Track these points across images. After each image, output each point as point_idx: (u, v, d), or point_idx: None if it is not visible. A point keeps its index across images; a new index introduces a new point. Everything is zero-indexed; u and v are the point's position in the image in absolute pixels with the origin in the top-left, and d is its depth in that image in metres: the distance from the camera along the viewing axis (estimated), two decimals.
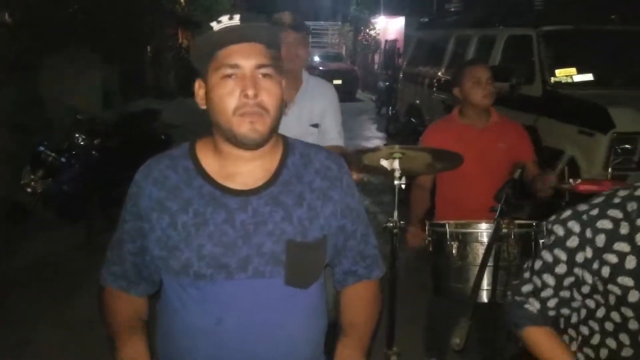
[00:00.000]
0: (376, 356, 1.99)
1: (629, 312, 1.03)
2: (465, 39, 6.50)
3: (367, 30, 19.17)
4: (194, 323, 1.11)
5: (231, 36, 1.05)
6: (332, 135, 2.35)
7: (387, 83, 11.88)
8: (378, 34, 18.71)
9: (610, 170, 2.94)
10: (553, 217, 1.13)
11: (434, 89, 6.83)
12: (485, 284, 1.85)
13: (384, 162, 1.87)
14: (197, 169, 1.12)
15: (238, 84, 1.04)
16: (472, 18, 7.04)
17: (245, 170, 1.12)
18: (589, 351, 1.11)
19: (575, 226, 1.07)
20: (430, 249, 2.10)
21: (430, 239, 2.10)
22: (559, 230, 1.09)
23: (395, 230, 1.86)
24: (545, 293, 1.13)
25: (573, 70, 4.78)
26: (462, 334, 1.26)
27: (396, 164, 1.86)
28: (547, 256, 1.12)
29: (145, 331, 1.19)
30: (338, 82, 15.18)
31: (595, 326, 1.09)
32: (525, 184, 2.33)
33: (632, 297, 1.02)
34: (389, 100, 10.83)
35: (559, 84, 4.68)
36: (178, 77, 12.04)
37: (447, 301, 2.24)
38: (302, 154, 1.19)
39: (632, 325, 1.03)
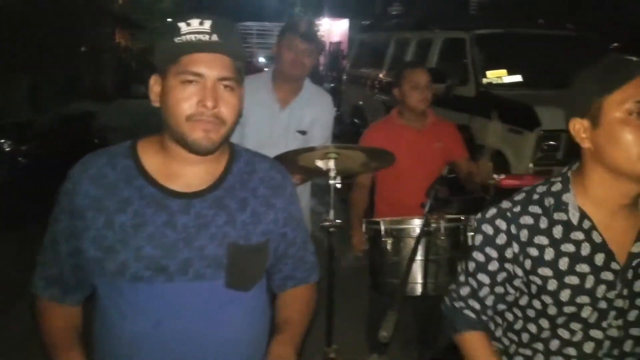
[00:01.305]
0: (316, 354, 2.04)
1: (548, 300, 1.10)
2: (404, 41, 6.69)
3: None
4: (131, 328, 1.10)
5: (199, 45, 1.04)
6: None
7: (332, 85, 11.99)
8: (322, 36, 18.82)
9: (531, 165, 3.13)
10: (479, 216, 1.18)
11: (376, 90, 6.99)
12: (418, 277, 1.93)
13: (319, 163, 1.90)
14: (137, 168, 1.11)
15: (197, 92, 1.04)
16: (411, 21, 7.26)
17: (189, 172, 1.12)
18: (512, 335, 1.18)
19: (502, 224, 1.12)
20: (367, 247, 2.16)
21: (367, 236, 2.16)
22: (488, 229, 1.14)
23: (331, 229, 1.90)
24: (483, 292, 1.18)
25: (503, 71, 5.04)
26: (389, 326, 1.31)
27: (331, 164, 1.90)
28: (479, 256, 1.17)
29: (82, 343, 1.16)
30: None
31: (519, 313, 1.16)
32: (459, 181, 2.45)
33: (551, 286, 1.09)
34: (333, 102, 10.93)
35: (490, 84, 4.92)
36: (117, 78, 11.63)
37: (387, 297, 2.31)
38: (247, 161, 1.21)
39: (551, 311, 1.11)
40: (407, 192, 2.43)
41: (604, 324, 1.09)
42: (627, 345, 1.10)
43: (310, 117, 2.31)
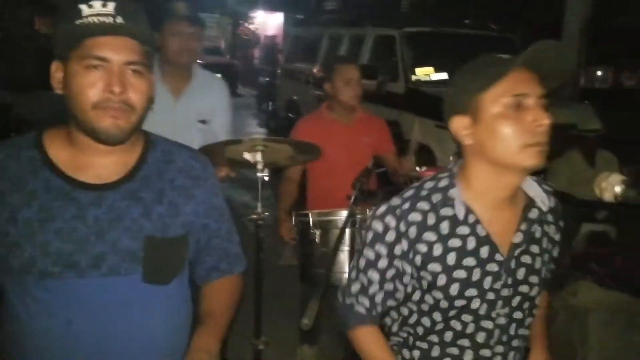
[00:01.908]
0: (245, 347, 2.04)
1: (439, 295, 1.12)
2: (338, 37, 6.77)
3: (246, 24, 19.03)
4: (41, 326, 1.05)
5: (102, 27, 0.99)
6: (219, 135, 2.32)
7: (267, 79, 11.91)
8: (257, 29, 18.66)
9: (452, 158, 3.27)
10: (371, 213, 1.19)
11: (310, 85, 7.03)
12: (345, 267, 1.97)
13: (247, 155, 1.90)
14: (43, 159, 1.05)
15: (103, 77, 0.99)
16: (345, 18, 7.36)
17: (100, 163, 1.08)
18: (408, 329, 1.20)
19: (391, 221, 1.12)
20: (297, 238, 2.18)
21: (296, 228, 2.18)
22: (378, 226, 1.13)
23: (259, 222, 1.90)
24: (372, 289, 1.17)
25: (431, 69, 5.24)
26: (311, 314, 1.34)
27: (259, 157, 1.90)
28: (370, 253, 1.16)
29: None
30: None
31: (413, 307, 1.18)
32: (388, 174, 2.53)
33: (441, 281, 1.11)
34: (269, 96, 10.88)
35: (419, 82, 5.09)
36: (36, 67, 10.88)
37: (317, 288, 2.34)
38: (165, 151, 1.17)
39: (443, 304, 1.13)
40: (338, 185, 2.47)
41: (493, 314, 1.13)
42: (512, 329, 1.16)
43: (208, 105, 2.28)
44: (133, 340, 1.10)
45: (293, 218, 2.23)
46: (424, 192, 1.14)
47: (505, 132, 1.03)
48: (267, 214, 1.96)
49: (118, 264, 1.06)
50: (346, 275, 2.00)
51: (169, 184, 1.14)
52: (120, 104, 1.01)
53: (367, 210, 2.06)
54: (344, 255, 2.01)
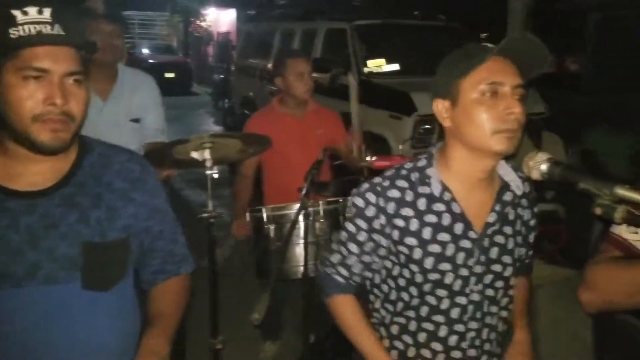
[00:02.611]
0: (202, 347, 2.01)
1: (415, 268, 1.18)
2: (290, 32, 6.75)
3: (198, 21, 18.69)
4: None
5: (41, 37, 0.96)
6: (154, 132, 2.28)
7: (222, 76, 11.77)
8: (210, 26, 18.36)
9: (401, 147, 3.33)
10: (355, 190, 1.25)
11: (265, 81, 6.98)
12: (299, 260, 1.97)
13: (195, 154, 1.87)
14: None
15: (43, 89, 0.97)
16: (296, 12, 7.33)
17: (34, 171, 1.05)
18: (388, 306, 1.27)
19: (371, 197, 1.19)
20: (251, 235, 2.17)
21: (251, 225, 2.17)
22: (359, 202, 1.21)
23: (211, 220, 1.88)
24: (350, 260, 1.25)
25: (382, 61, 5.30)
26: (261, 309, 1.34)
27: (207, 154, 1.87)
28: (350, 227, 1.23)
29: None
30: (171, 75, 14.56)
31: (392, 283, 1.24)
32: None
33: (417, 254, 1.17)
34: (225, 93, 10.75)
35: (371, 73, 5.14)
36: None
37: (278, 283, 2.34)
38: (102, 154, 1.15)
39: (418, 279, 1.19)
40: (293, 179, 2.46)
41: (467, 290, 1.19)
42: (485, 306, 1.22)
43: (139, 102, 2.25)
44: (77, 348, 1.07)
45: (247, 215, 2.21)
46: (403, 171, 1.21)
47: (479, 116, 1.09)
48: (219, 212, 1.93)
49: (55, 272, 1.03)
50: (301, 269, 2.01)
51: (107, 187, 1.12)
52: (61, 116, 0.99)
53: (320, 202, 2.07)
54: (299, 249, 2.01)
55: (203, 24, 18.56)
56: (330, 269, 1.29)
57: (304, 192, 1.86)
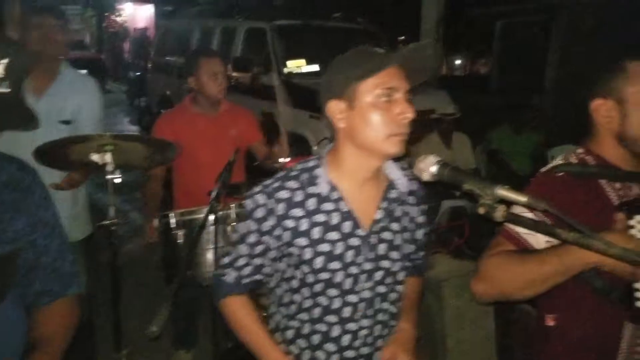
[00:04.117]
0: None
1: (306, 268, 1.18)
2: (209, 30, 6.59)
3: (113, 16, 17.77)
4: None
5: None
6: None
7: (138, 73, 11.28)
8: (126, 21, 17.53)
9: (315, 147, 3.34)
10: (248, 194, 1.23)
11: (183, 79, 6.76)
12: (210, 266, 1.92)
13: (95, 157, 1.75)
14: None
15: None
16: (215, 9, 7.18)
17: None
18: (283, 309, 1.26)
19: (261, 199, 1.18)
20: (160, 241, 2.09)
21: (159, 231, 2.08)
22: (249, 204, 1.19)
23: (113, 228, 1.77)
24: (240, 262, 1.23)
25: (302, 61, 5.31)
26: (159, 321, 1.28)
27: (108, 158, 1.77)
28: (241, 228, 1.22)
29: None
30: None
31: (285, 286, 1.24)
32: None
33: (307, 255, 1.17)
34: (141, 91, 10.31)
35: (291, 74, 5.14)
36: None
37: (188, 290, 2.26)
38: None
39: (309, 279, 1.20)
40: (206, 181, 2.39)
41: (357, 288, 1.19)
42: (377, 303, 1.24)
43: (73, 104, 2.15)
44: None
45: (156, 220, 2.12)
46: (294, 172, 1.21)
47: (375, 120, 1.12)
48: (131, 216, 1.84)
49: None
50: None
51: None
52: None
53: (232, 205, 2.02)
54: (210, 254, 1.95)
55: (118, 19, 17.68)
56: (221, 271, 1.28)
57: (214, 195, 1.81)
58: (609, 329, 1.24)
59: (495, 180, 0.98)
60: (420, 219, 1.31)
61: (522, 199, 0.90)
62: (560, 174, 1.28)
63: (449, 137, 4.08)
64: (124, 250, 2.33)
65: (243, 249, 1.22)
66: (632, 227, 1.14)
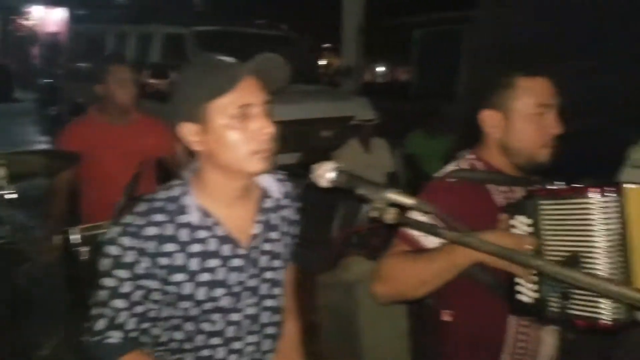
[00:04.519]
0: None
1: (187, 304, 1.10)
2: (124, 35, 6.35)
3: (20, 19, 16.61)
4: None
5: None
6: None
7: (50, 80, 10.60)
8: (36, 25, 16.45)
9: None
10: (104, 238, 1.10)
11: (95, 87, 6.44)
12: None
13: None
14: None
15: None
16: (130, 14, 6.93)
17: None
18: (161, 349, 1.17)
19: (127, 241, 1.06)
20: (62, 258, 1.97)
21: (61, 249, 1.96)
22: (114, 250, 1.06)
23: (6, 248, 1.65)
24: (121, 318, 1.08)
25: None
26: (50, 344, 1.20)
27: (1, 172, 1.64)
28: (110, 281, 1.07)
29: None
30: None
31: (163, 325, 1.15)
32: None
33: (187, 289, 1.09)
34: (52, 100, 9.69)
35: None
36: None
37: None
38: None
39: (193, 312, 1.11)
40: (115, 193, 2.29)
41: (240, 305, 1.15)
42: (264, 317, 1.19)
43: None
44: None
45: (56, 237, 1.99)
46: (158, 204, 1.10)
47: (232, 141, 1.05)
48: (27, 236, 1.71)
49: None
50: None
51: None
52: None
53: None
54: None
55: (26, 22, 16.54)
56: (98, 337, 1.09)
57: (119, 208, 1.74)
58: (499, 323, 1.31)
59: (410, 183, 1.01)
60: (296, 216, 1.29)
61: (410, 201, 0.94)
62: (452, 179, 1.35)
63: (368, 142, 4.19)
64: (23, 270, 2.16)
65: (119, 302, 1.08)
66: (514, 226, 1.21)
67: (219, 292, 1.12)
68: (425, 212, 0.98)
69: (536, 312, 1.18)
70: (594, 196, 1.07)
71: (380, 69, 13.73)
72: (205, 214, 1.11)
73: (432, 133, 4.43)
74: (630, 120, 2.18)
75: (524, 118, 1.29)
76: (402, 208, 0.98)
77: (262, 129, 1.06)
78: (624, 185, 1.09)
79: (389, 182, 4.12)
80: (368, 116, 4.38)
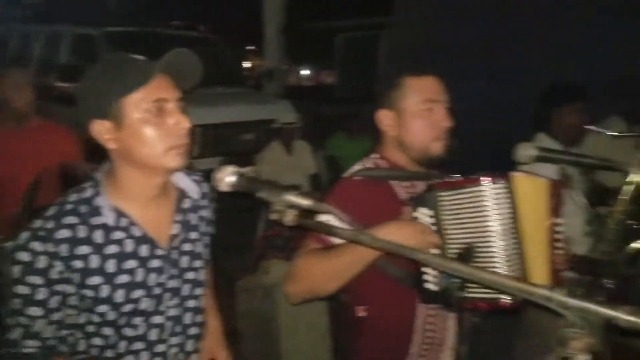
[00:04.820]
0: None
1: (104, 308, 1.07)
2: (31, 35, 5.95)
3: None
4: None
5: None
6: None
7: None
8: None
9: None
10: (12, 244, 1.04)
11: None
12: None
13: None
14: None
15: None
16: (37, 13, 6.52)
17: None
18: (79, 357, 1.11)
19: (38, 246, 1.02)
20: None
21: None
22: (24, 256, 1.02)
23: None
24: (37, 326, 1.05)
25: None
26: None
27: None
28: (23, 289, 1.03)
29: None
30: None
31: (79, 333, 1.10)
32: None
33: (104, 292, 1.07)
34: None
35: None
36: None
37: None
38: None
39: (111, 316, 1.08)
40: (9, 203, 2.16)
41: (162, 308, 1.13)
42: (187, 318, 1.20)
43: None
44: None
45: None
46: (69, 206, 1.07)
47: (149, 136, 1.04)
48: None
49: None
50: None
51: None
52: None
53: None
54: None
55: None
56: (15, 349, 1.05)
57: (17, 218, 1.63)
58: (409, 315, 1.37)
59: (332, 184, 1.02)
60: (213, 216, 1.29)
61: (307, 203, 0.96)
62: (358, 178, 1.40)
63: (290, 145, 4.22)
64: None
65: (34, 311, 1.03)
66: (417, 218, 1.28)
67: (138, 293, 1.10)
68: (322, 212, 1.00)
69: (443, 299, 1.25)
70: (486, 184, 1.16)
71: (305, 72, 13.87)
72: (120, 214, 1.09)
73: (352, 135, 4.53)
74: (521, 120, 2.37)
75: (414, 114, 1.36)
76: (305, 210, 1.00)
77: (178, 124, 1.06)
78: (512, 174, 1.19)
79: (311, 183, 4.16)
80: (290, 119, 4.40)
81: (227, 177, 1.03)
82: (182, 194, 1.20)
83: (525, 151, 1.35)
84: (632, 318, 0.65)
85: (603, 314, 0.67)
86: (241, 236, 3.36)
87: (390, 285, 1.34)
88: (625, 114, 2.98)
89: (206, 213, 1.26)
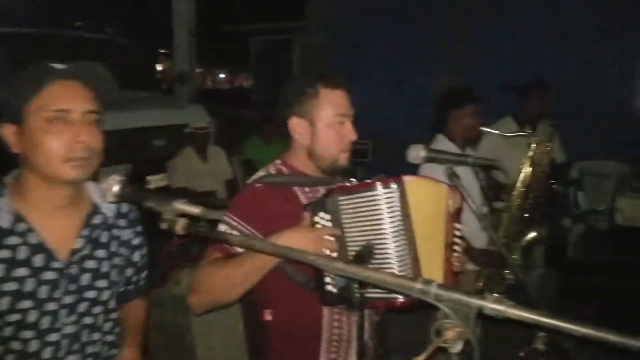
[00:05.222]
0: None
1: (29, 334, 1.06)
2: None
3: None
4: None
5: None
6: None
7: None
8: None
9: None
10: None
11: None
12: None
13: None
14: None
15: None
16: None
17: None
18: None
19: None
20: None
21: None
22: None
23: None
24: None
25: None
26: None
27: None
28: None
29: None
30: None
31: None
32: None
33: (32, 317, 1.05)
34: None
35: None
36: None
37: None
38: None
39: (34, 347, 1.06)
40: None
41: (58, 325, 1.10)
42: (85, 336, 1.16)
43: None
44: None
45: None
46: None
47: (46, 145, 1.04)
48: None
49: None
50: None
51: None
52: None
53: None
54: None
55: None
56: None
57: None
58: (315, 316, 1.39)
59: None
60: (136, 241, 1.27)
61: (196, 211, 0.94)
62: (259, 184, 1.41)
63: (204, 150, 4.12)
64: None
65: None
66: (317, 222, 1.30)
67: (25, 304, 1.06)
68: (213, 220, 0.99)
69: (344, 300, 1.28)
70: (379, 188, 1.21)
71: (222, 75, 13.63)
72: (19, 219, 1.07)
73: (268, 139, 4.52)
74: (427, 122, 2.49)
75: (327, 126, 1.39)
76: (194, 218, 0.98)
77: (77, 137, 1.05)
78: (404, 178, 1.24)
79: (228, 189, 4.09)
80: (202, 123, 4.29)
81: (113, 187, 1.00)
82: (96, 209, 1.17)
83: (415, 152, 1.42)
84: (496, 306, 0.70)
85: (472, 304, 0.71)
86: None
87: (295, 289, 1.36)
88: (516, 115, 3.23)
89: (123, 234, 1.23)
